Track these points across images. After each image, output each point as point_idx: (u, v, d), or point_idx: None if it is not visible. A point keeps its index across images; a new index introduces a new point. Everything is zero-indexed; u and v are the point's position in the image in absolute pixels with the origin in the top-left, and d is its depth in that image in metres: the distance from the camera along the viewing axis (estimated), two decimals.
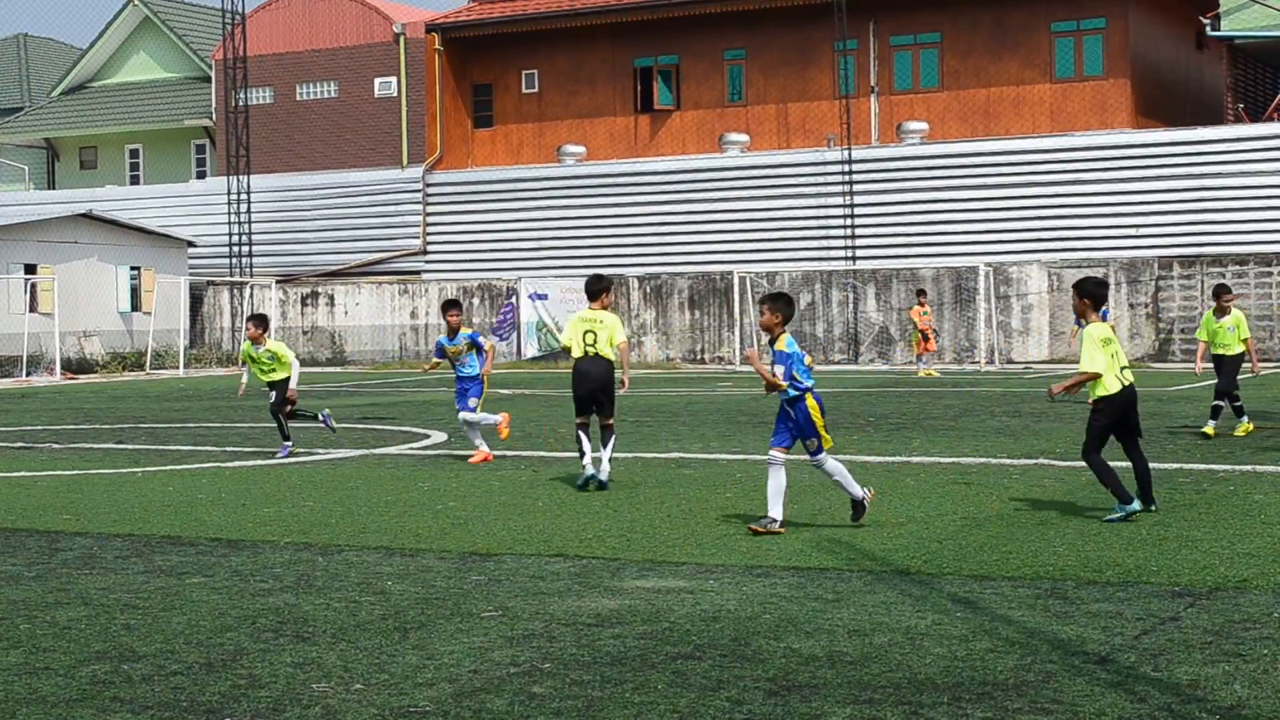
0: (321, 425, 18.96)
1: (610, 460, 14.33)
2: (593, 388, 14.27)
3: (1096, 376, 11.52)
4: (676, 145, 48.80)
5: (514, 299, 46.65)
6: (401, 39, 50.29)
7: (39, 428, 23.55)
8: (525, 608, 8.55)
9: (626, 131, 49.72)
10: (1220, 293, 19.10)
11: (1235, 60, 44.56)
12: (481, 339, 17.41)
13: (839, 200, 43.76)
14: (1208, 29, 43.27)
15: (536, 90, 51.01)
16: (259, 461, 17.49)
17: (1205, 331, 19.09)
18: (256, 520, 12.41)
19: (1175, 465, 15.17)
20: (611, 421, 14.42)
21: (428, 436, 20.27)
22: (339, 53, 51.43)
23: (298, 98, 52.17)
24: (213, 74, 53.72)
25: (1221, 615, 8.06)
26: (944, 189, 42.81)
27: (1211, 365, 19.31)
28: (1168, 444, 17.56)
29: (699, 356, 44.87)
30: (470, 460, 16.75)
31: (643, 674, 6.98)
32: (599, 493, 13.83)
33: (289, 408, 18.18)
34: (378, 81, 50.84)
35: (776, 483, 11.24)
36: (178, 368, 45.63)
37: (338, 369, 47.39)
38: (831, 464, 11.40)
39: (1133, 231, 40.85)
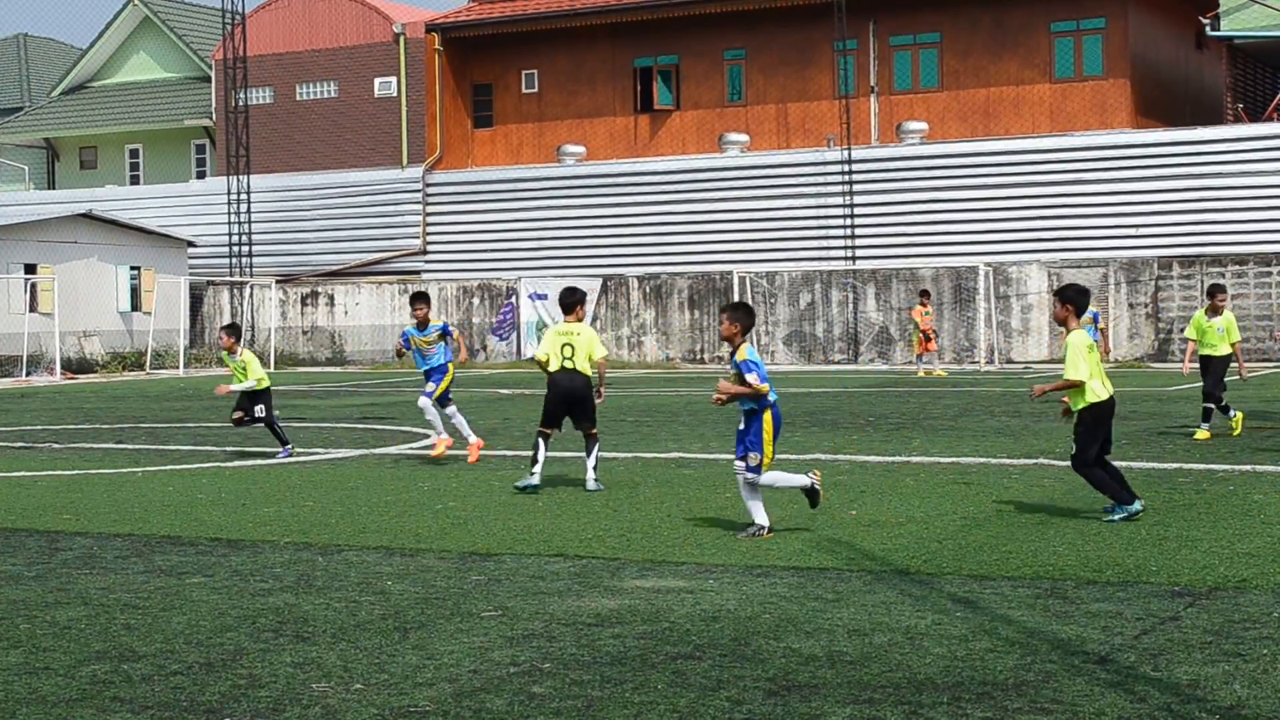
0: (259, 423, 18.64)
1: (596, 467, 14.30)
2: (569, 402, 14.24)
3: (1080, 384, 11.48)
4: (676, 145, 48.80)
5: (514, 299, 46.65)
6: (401, 39, 50.29)
7: (39, 428, 23.55)
8: (525, 608, 8.56)
9: (626, 131, 49.72)
10: (1216, 292, 18.92)
11: (1235, 60, 44.55)
12: (452, 329, 17.41)
13: (839, 200, 43.76)
14: (1207, 29, 43.27)
15: (536, 90, 51.00)
16: (259, 461, 17.49)
17: (1195, 330, 18.89)
18: (256, 520, 12.42)
19: (1175, 465, 15.17)
20: (594, 430, 14.37)
21: (428, 436, 20.26)
22: (339, 53, 51.43)
23: (297, 98, 52.17)
24: (213, 74, 53.71)
25: (1221, 615, 8.06)
26: (944, 189, 42.81)
27: (1198, 366, 19.00)
28: (1167, 444, 17.56)
29: (699, 356, 44.87)
30: (432, 454, 16.86)
31: (643, 674, 6.98)
32: (599, 493, 13.84)
33: (259, 414, 18.08)
34: (378, 81, 50.84)
35: (783, 480, 11.28)
36: (178, 368, 45.62)
37: (338, 369, 47.38)
38: (767, 477, 11.11)
39: (1132, 231, 40.84)
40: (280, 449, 18.06)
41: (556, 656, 7.35)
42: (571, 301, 14.53)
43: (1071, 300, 11.69)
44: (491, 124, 51.71)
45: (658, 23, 48.58)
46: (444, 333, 17.18)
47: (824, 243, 43.94)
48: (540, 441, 14.22)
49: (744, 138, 46.60)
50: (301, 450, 18.46)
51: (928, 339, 36.44)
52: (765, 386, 11.00)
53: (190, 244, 49.47)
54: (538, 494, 13.85)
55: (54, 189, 57.74)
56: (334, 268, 50.01)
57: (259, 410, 18.12)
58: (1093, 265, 40.68)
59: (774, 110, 47.84)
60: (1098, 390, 11.53)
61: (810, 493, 11.35)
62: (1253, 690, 6.55)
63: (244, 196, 49.61)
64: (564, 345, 14.24)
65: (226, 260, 50.03)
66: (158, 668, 7.25)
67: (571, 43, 50.03)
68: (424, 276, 48.67)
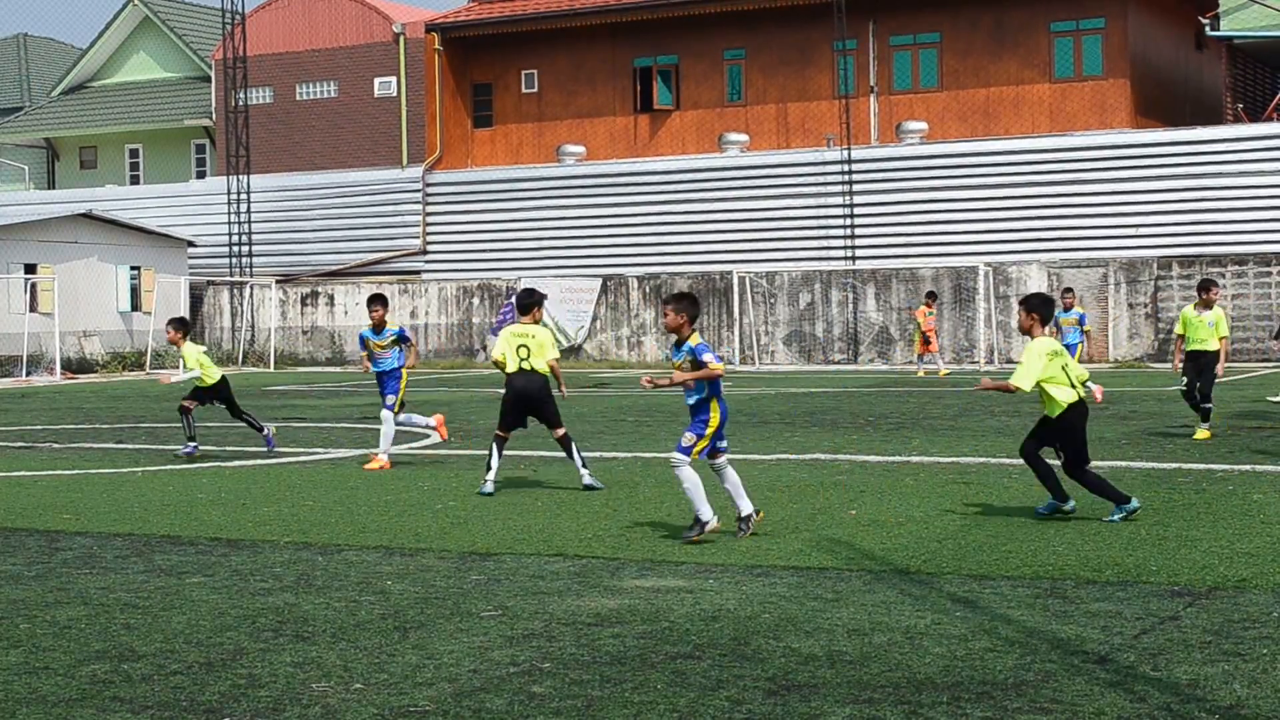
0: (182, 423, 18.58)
1: (586, 464, 14.23)
2: (526, 403, 14.21)
3: (1016, 390, 11.46)
4: (676, 145, 48.80)
5: (514, 299, 46.63)
6: (401, 39, 50.30)
7: (39, 428, 23.56)
8: (525, 607, 8.56)
9: (626, 131, 49.73)
10: (1209, 286, 18.73)
11: (1234, 60, 44.56)
12: (408, 333, 17.22)
13: (838, 200, 43.76)
14: (1207, 29, 43.28)
15: (536, 90, 51.01)
16: (259, 461, 17.50)
17: (1183, 325, 18.67)
18: (256, 520, 12.42)
19: (1175, 465, 15.16)
20: (563, 431, 14.31)
21: (427, 436, 20.27)
22: (339, 53, 51.44)
23: (297, 97, 52.17)
24: (212, 74, 53.71)
25: (1221, 615, 8.06)
26: (943, 189, 42.81)
27: (1186, 362, 18.65)
28: (1167, 444, 17.56)
29: None
30: (365, 466, 16.37)
31: (642, 673, 6.99)
32: (599, 493, 13.85)
33: (184, 403, 18.20)
34: (377, 81, 50.84)
35: (731, 482, 11.03)
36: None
37: (337, 369, 47.38)
38: (688, 480, 10.76)
39: (1132, 231, 40.85)
40: (265, 441, 18.14)
41: (556, 656, 7.35)
42: (528, 303, 14.59)
43: (1036, 310, 11.73)
44: (491, 124, 51.72)
45: (657, 23, 48.59)
46: (400, 338, 17.02)
47: (824, 243, 43.95)
48: (494, 446, 14.14)
49: (744, 138, 46.61)
50: (302, 450, 18.46)
51: (926, 341, 36.44)
52: (722, 366, 10.94)
53: (190, 244, 49.48)
54: (535, 494, 13.85)
55: (54, 189, 57.74)
56: (334, 268, 50.02)
57: (219, 406, 18.36)
58: (1093, 265, 40.68)
59: (774, 110, 47.85)
60: (1065, 396, 11.55)
61: (701, 527, 10.69)
62: (1252, 690, 6.56)
63: (244, 196, 49.61)
64: (519, 346, 14.23)
65: (226, 260, 50.04)
66: (158, 667, 7.26)
67: (571, 42, 50.03)
68: (424, 276, 48.70)
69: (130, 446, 19.84)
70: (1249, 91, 46.42)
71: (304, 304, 50.14)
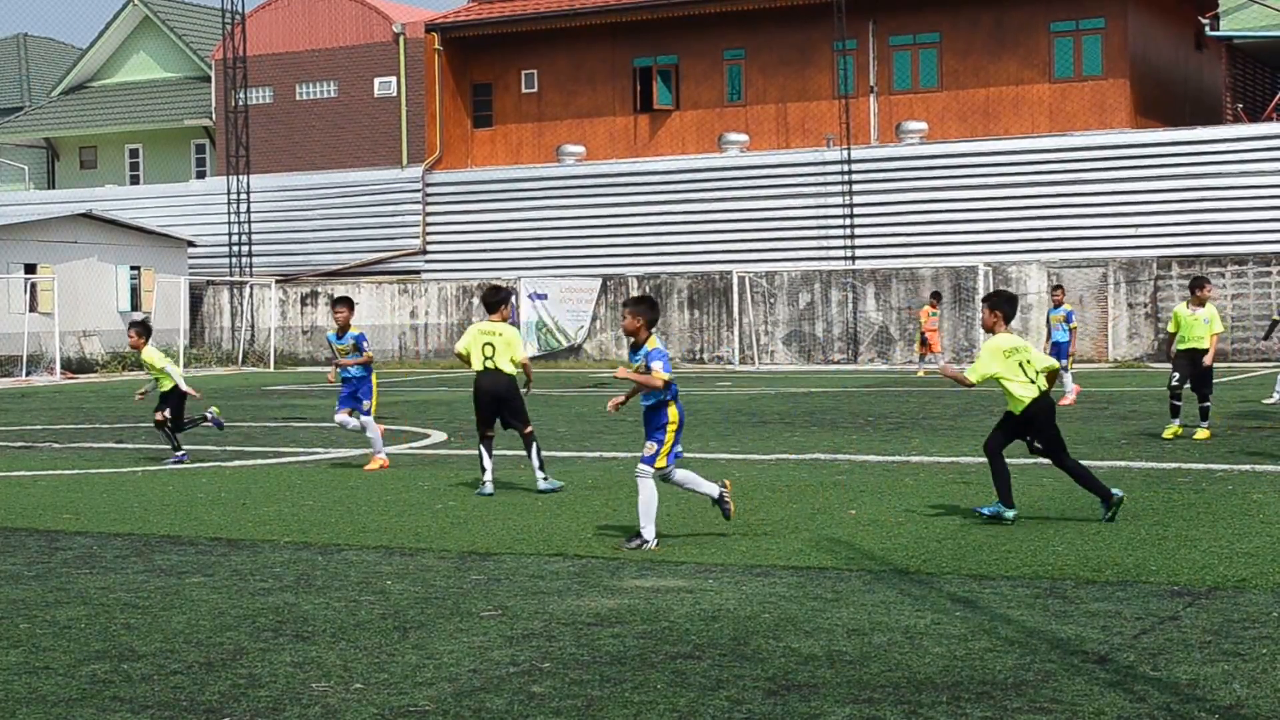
0: (210, 424, 18.42)
1: (543, 466, 14.15)
2: (493, 402, 14.13)
3: (970, 384, 11.71)
4: (676, 145, 48.80)
5: (514, 299, 46.64)
6: (401, 39, 50.29)
7: (39, 428, 23.56)
8: (525, 607, 8.56)
9: (626, 131, 49.72)
10: (1202, 284, 18.64)
11: (1234, 60, 44.55)
12: (366, 343, 16.60)
13: (838, 200, 43.76)
14: (1207, 29, 43.26)
15: (536, 90, 51.00)
16: (259, 461, 17.50)
17: (1176, 323, 18.57)
18: (256, 520, 12.42)
19: (1174, 465, 15.17)
20: (529, 430, 14.25)
21: (428, 436, 20.28)
22: (338, 52, 51.43)
23: (297, 97, 52.17)
24: (212, 74, 53.70)
25: (1220, 615, 8.06)
26: (943, 189, 42.81)
27: (1180, 359, 18.56)
28: (1167, 444, 17.56)
29: (698, 356, 44.87)
30: (365, 468, 16.22)
31: (642, 673, 6.99)
32: (599, 492, 13.85)
33: (167, 415, 17.50)
34: (377, 81, 50.84)
35: (679, 479, 10.93)
36: (177, 368, 45.55)
37: None
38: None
39: (1132, 231, 40.85)
40: (173, 455, 17.32)
41: (556, 656, 7.35)
42: (495, 300, 14.42)
43: (999, 307, 11.86)
44: (491, 124, 51.71)
45: (657, 23, 48.58)
46: (357, 344, 16.46)
47: (823, 243, 43.94)
48: (482, 448, 14.10)
49: (743, 138, 46.60)
50: (301, 450, 18.47)
51: (925, 342, 36.41)
52: (667, 376, 10.79)
53: (190, 244, 49.47)
54: (535, 494, 13.85)
55: (54, 189, 57.74)
56: (334, 268, 50.02)
57: (167, 412, 17.48)
58: (1092, 265, 40.67)
59: (773, 110, 47.84)
60: (1024, 392, 11.57)
61: (642, 542, 10.62)
62: (1252, 690, 6.56)
63: (244, 196, 49.60)
64: (485, 344, 14.12)
65: (226, 260, 50.02)
66: (158, 667, 7.26)
67: (571, 43, 50.03)
68: (424, 276, 48.70)
69: (130, 446, 19.85)
70: (1249, 91, 46.41)
71: (304, 304, 50.13)
